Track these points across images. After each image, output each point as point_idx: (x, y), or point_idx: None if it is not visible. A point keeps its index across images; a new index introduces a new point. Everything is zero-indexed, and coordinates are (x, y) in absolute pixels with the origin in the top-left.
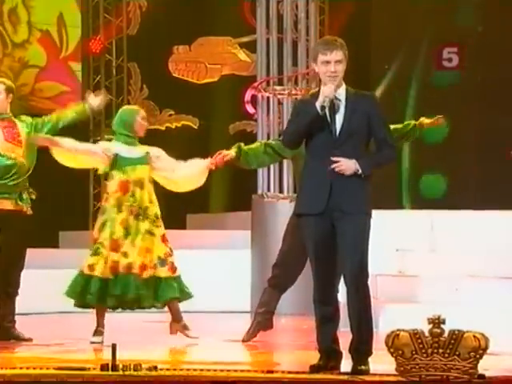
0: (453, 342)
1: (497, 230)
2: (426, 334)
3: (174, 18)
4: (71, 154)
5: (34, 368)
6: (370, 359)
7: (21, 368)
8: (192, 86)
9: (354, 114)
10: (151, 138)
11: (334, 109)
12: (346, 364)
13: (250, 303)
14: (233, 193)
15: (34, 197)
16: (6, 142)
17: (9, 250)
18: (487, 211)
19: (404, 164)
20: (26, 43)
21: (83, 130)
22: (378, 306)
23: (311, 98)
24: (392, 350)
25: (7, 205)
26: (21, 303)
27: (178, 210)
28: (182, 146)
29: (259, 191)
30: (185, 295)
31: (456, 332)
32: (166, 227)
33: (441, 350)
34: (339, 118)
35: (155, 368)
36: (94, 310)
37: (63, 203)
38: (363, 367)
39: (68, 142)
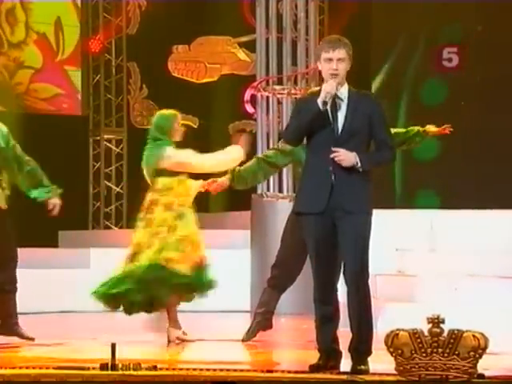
0: (452, 341)
1: (496, 230)
2: (426, 333)
3: (174, 17)
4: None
5: (34, 368)
6: (369, 359)
7: (20, 368)
8: (191, 85)
9: (355, 114)
10: None
11: (335, 107)
12: (346, 363)
13: (250, 303)
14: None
15: (8, 192)
16: None
17: None
18: (486, 211)
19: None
20: (23, 44)
21: (83, 129)
22: (378, 305)
23: (312, 97)
24: (391, 350)
25: None
26: (20, 303)
27: None
28: (181, 146)
29: (259, 191)
30: None
31: (455, 331)
32: None
33: (440, 350)
34: (341, 117)
35: (155, 367)
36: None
37: (63, 203)
38: (363, 367)
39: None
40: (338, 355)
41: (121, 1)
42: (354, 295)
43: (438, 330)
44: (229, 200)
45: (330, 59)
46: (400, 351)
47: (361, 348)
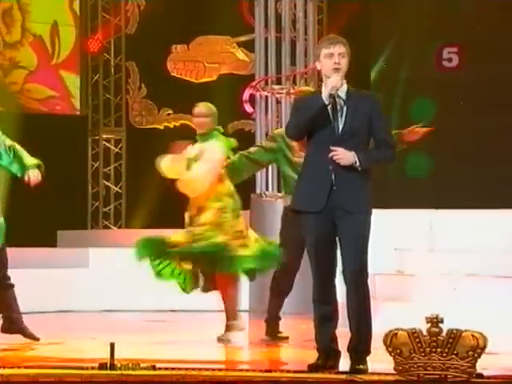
0: (451, 341)
1: (495, 230)
2: (424, 333)
3: (173, 17)
4: None
5: (33, 367)
6: (368, 358)
7: (19, 367)
8: (190, 85)
9: (355, 113)
10: (149, 137)
11: (335, 107)
12: (344, 363)
13: (249, 302)
14: None
15: None
16: None
17: None
18: (486, 210)
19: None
20: (18, 44)
21: (81, 129)
22: (377, 305)
23: (312, 95)
24: (390, 349)
25: None
26: (19, 302)
27: (176, 209)
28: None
29: (258, 190)
30: None
31: (454, 331)
32: (164, 226)
33: (439, 349)
34: (341, 117)
35: (153, 367)
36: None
37: (61, 202)
38: (362, 366)
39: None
40: (336, 355)
41: (120, 0)
42: (353, 295)
43: (436, 330)
44: None
45: (332, 54)
46: (399, 351)
47: (360, 347)
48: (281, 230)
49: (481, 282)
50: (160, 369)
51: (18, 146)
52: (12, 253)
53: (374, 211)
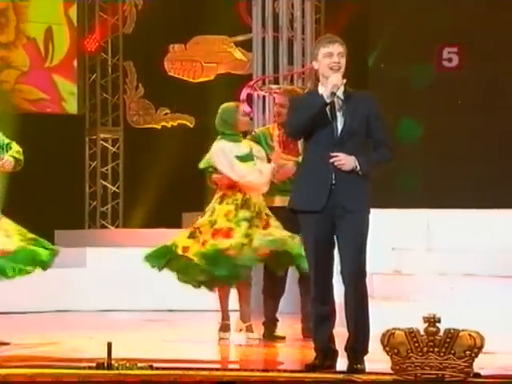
0: (448, 340)
1: (493, 229)
2: (422, 332)
3: (170, 16)
4: None
5: (30, 367)
6: (365, 358)
7: (16, 367)
8: (188, 84)
9: (354, 114)
10: (147, 136)
11: (334, 107)
12: (342, 362)
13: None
14: None
15: None
16: None
17: None
18: (483, 210)
19: None
20: (12, 45)
21: (79, 129)
22: (374, 304)
23: (308, 94)
24: (387, 349)
25: None
26: (16, 302)
27: (174, 208)
28: (177, 145)
29: None
30: None
31: (451, 331)
32: (162, 226)
33: (436, 349)
34: (340, 117)
35: (151, 367)
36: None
37: (59, 202)
38: (359, 366)
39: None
40: (334, 354)
41: (117, 0)
42: (351, 294)
43: (434, 329)
44: None
45: (331, 53)
46: (396, 350)
47: (357, 347)
48: None
49: (478, 282)
50: (157, 368)
51: (14, 144)
52: None
53: (372, 211)
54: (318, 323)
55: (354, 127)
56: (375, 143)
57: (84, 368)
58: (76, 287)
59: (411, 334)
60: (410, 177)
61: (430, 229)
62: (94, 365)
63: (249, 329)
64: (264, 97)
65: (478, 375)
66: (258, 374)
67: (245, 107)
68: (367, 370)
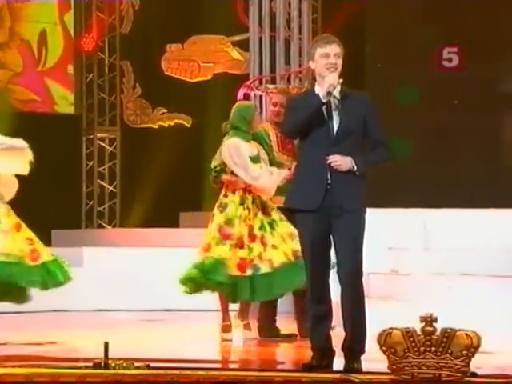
0: (445, 340)
1: (489, 229)
2: (419, 332)
3: (167, 16)
4: None
5: (27, 366)
6: (362, 357)
7: (13, 367)
8: (185, 84)
9: (350, 114)
10: (144, 136)
11: (330, 107)
12: (339, 362)
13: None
14: None
15: None
16: None
17: None
18: (480, 210)
19: None
20: (5, 46)
21: (76, 128)
22: (371, 304)
23: (306, 94)
24: (384, 349)
25: None
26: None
27: (171, 208)
28: (174, 145)
29: None
30: None
31: (448, 330)
32: (159, 225)
33: (433, 349)
34: (336, 117)
35: (147, 366)
36: None
37: (56, 202)
38: (356, 365)
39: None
40: (331, 354)
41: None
42: (348, 294)
43: (430, 329)
44: None
45: (328, 54)
46: (393, 350)
47: (354, 347)
48: None
49: (475, 282)
50: (154, 368)
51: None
52: None
53: (369, 210)
54: (314, 323)
55: (351, 127)
56: (372, 143)
57: (81, 368)
58: (73, 287)
59: (408, 333)
60: (406, 177)
61: (427, 228)
62: (90, 364)
63: (246, 327)
64: (261, 96)
65: (474, 375)
66: (254, 373)
67: None
68: (364, 369)
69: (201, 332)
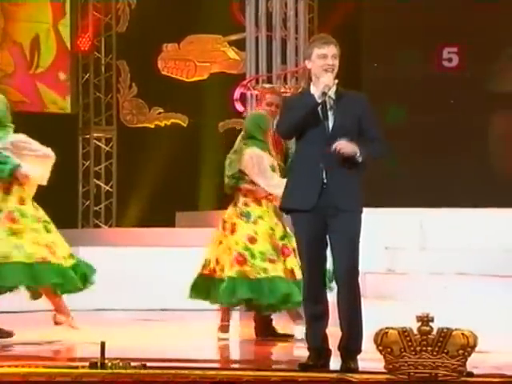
0: (441, 339)
1: (486, 229)
2: (415, 331)
3: (164, 15)
4: None
5: (23, 366)
6: (358, 357)
7: (9, 366)
8: (181, 83)
9: (345, 113)
10: (140, 135)
11: (326, 106)
12: (335, 362)
13: None
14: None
15: None
16: None
17: None
18: (476, 210)
19: None
20: None
21: (72, 128)
22: (367, 303)
23: (301, 94)
24: (381, 348)
25: None
26: (11, 301)
27: (167, 207)
28: (171, 144)
29: None
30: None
31: (444, 330)
32: (155, 225)
33: (429, 348)
34: (331, 116)
35: (144, 366)
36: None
37: (52, 201)
38: (352, 365)
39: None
40: (327, 354)
41: None
42: (344, 294)
43: (427, 329)
44: (218, 198)
45: (325, 55)
46: (389, 349)
47: (350, 346)
48: None
49: (471, 281)
50: (151, 368)
51: None
52: None
53: (365, 210)
54: (311, 323)
55: (345, 126)
56: (369, 139)
57: (77, 367)
58: None
59: (404, 333)
60: (403, 176)
61: (424, 228)
62: (87, 364)
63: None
64: (257, 96)
65: (470, 374)
66: (251, 373)
67: (238, 106)
68: (360, 369)
69: (197, 332)
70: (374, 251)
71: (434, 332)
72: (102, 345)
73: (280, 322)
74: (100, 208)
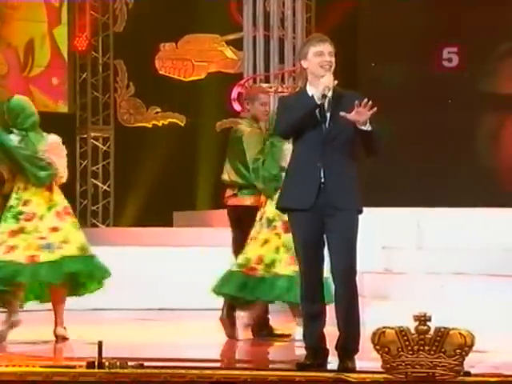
0: (439, 339)
1: (483, 228)
2: (412, 331)
3: (161, 15)
4: None
5: (20, 366)
6: (356, 356)
7: (7, 366)
8: (179, 83)
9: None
10: (138, 135)
11: (324, 108)
12: (332, 361)
13: None
14: (219, 190)
15: None
16: None
17: None
18: (474, 209)
19: None
20: None
21: (70, 127)
22: (365, 303)
23: (298, 94)
24: (378, 348)
25: None
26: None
27: (165, 207)
28: (168, 144)
29: None
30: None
31: (442, 329)
32: (153, 224)
33: (427, 348)
34: (329, 117)
35: (141, 366)
36: None
37: None
38: (349, 364)
39: None
40: (325, 353)
41: None
42: (342, 293)
43: (424, 328)
44: (216, 197)
45: (322, 52)
46: (387, 349)
47: (348, 346)
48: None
49: (468, 281)
50: (148, 367)
51: None
52: None
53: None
54: (308, 322)
55: (343, 125)
56: None
57: (74, 367)
58: None
59: (402, 332)
60: (400, 176)
61: (421, 227)
62: (84, 364)
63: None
64: (246, 95)
65: (468, 374)
66: (248, 372)
67: (235, 106)
68: (358, 368)
69: (195, 331)
70: (371, 251)
71: (432, 331)
72: (100, 344)
73: (276, 322)
74: (97, 207)
